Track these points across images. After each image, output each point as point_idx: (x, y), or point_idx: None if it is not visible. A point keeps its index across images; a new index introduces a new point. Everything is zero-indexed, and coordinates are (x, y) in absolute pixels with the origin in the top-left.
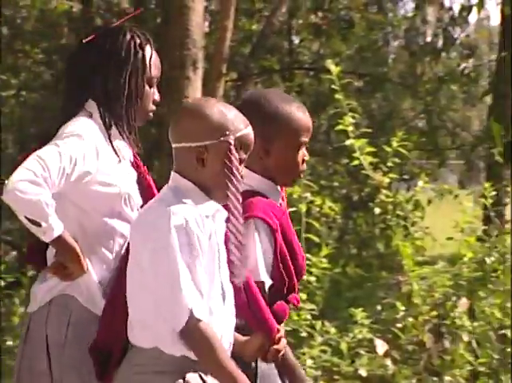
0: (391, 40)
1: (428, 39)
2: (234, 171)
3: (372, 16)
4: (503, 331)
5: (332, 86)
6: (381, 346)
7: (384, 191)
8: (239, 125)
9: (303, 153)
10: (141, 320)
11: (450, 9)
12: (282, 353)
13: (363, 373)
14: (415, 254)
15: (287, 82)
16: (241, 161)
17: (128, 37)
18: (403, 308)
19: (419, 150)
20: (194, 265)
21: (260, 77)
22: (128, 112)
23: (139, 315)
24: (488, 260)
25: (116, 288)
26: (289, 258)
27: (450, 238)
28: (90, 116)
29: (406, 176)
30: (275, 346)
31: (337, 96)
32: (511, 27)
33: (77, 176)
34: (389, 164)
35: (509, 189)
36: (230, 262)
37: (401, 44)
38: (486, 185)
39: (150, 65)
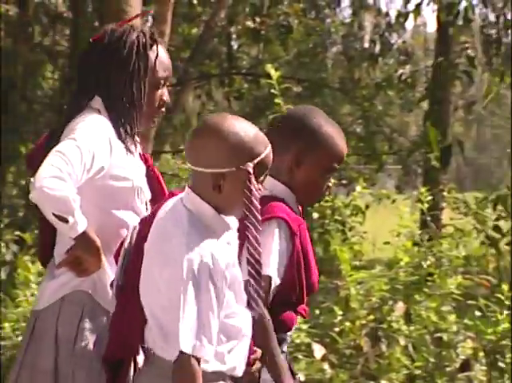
0: (329, 46)
1: (366, 45)
2: (254, 201)
3: (310, 22)
4: (439, 334)
5: (272, 91)
6: (319, 350)
7: None
8: (258, 149)
9: (329, 179)
10: (162, 334)
11: (387, 15)
12: (257, 375)
13: (301, 377)
14: (352, 258)
15: (226, 87)
16: (259, 183)
17: (133, 37)
18: (340, 312)
19: (357, 155)
20: (201, 301)
21: (199, 82)
22: (131, 114)
23: (159, 329)
24: (424, 264)
25: (122, 297)
26: (303, 268)
27: (387, 243)
28: (98, 112)
29: (344, 181)
30: (249, 368)
31: (277, 100)
32: (447, 34)
33: (95, 171)
34: None
35: (445, 193)
36: (247, 293)
37: (339, 50)
38: (423, 190)
39: (154, 66)
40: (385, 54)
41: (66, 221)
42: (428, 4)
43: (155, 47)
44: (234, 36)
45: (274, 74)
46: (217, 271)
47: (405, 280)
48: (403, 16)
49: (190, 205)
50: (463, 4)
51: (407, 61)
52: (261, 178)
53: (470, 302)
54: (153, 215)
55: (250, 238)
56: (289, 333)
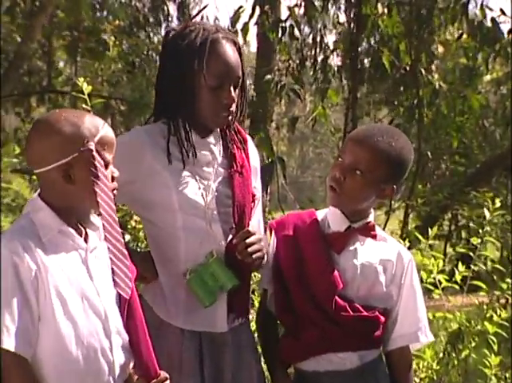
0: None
1: None
2: (101, 176)
3: (129, 39)
4: None
5: (84, 106)
6: None
7: None
8: (95, 128)
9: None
10: None
11: None
12: None
13: None
14: None
15: (47, 105)
16: (108, 163)
17: (191, 36)
18: None
19: None
20: (15, 301)
21: (17, 99)
22: (185, 118)
23: None
24: None
25: None
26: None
27: None
28: (164, 119)
29: None
30: None
31: None
32: (270, 52)
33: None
34: None
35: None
36: (112, 271)
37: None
38: None
39: (206, 65)
40: None
41: None
42: (256, 23)
43: (212, 45)
44: (52, 53)
45: (86, 89)
46: (25, 275)
47: None
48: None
49: (29, 208)
50: (289, 22)
51: None
52: (108, 157)
53: None
54: None
55: (105, 216)
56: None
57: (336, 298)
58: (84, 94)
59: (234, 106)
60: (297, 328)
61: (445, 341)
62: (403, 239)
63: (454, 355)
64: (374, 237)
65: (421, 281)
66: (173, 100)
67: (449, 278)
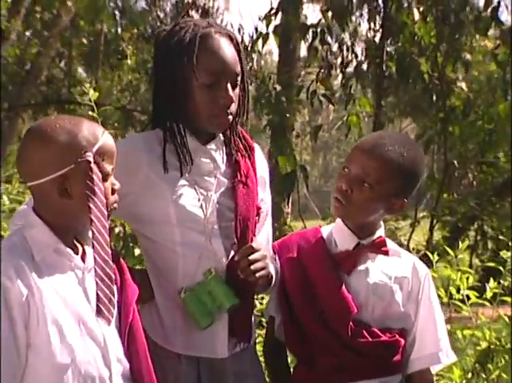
0: None
1: None
2: (97, 191)
3: (146, 47)
4: None
5: (90, 113)
6: None
7: None
8: (93, 137)
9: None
10: None
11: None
12: None
13: None
14: None
15: (66, 113)
16: (108, 174)
17: (181, 33)
18: None
19: None
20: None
21: (36, 108)
22: (182, 122)
23: None
24: None
25: None
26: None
27: None
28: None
29: None
30: None
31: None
32: (292, 59)
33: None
34: None
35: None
36: (96, 297)
37: None
38: None
39: (196, 61)
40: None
41: None
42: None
43: (202, 42)
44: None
45: (93, 95)
46: (15, 300)
47: None
48: (263, 37)
49: (20, 221)
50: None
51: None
52: (108, 168)
53: None
54: None
55: (96, 234)
56: None
57: (351, 323)
58: (95, 103)
59: (233, 106)
60: (310, 357)
61: (474, 359)
62: (432, 253)
63: (483, 375)
64: (386, 253)
65: (450, 297)
66: (167, 103)
67: (477, 292)
